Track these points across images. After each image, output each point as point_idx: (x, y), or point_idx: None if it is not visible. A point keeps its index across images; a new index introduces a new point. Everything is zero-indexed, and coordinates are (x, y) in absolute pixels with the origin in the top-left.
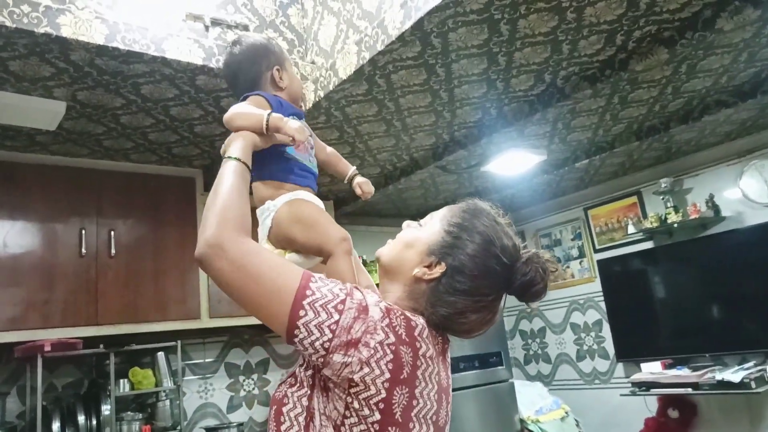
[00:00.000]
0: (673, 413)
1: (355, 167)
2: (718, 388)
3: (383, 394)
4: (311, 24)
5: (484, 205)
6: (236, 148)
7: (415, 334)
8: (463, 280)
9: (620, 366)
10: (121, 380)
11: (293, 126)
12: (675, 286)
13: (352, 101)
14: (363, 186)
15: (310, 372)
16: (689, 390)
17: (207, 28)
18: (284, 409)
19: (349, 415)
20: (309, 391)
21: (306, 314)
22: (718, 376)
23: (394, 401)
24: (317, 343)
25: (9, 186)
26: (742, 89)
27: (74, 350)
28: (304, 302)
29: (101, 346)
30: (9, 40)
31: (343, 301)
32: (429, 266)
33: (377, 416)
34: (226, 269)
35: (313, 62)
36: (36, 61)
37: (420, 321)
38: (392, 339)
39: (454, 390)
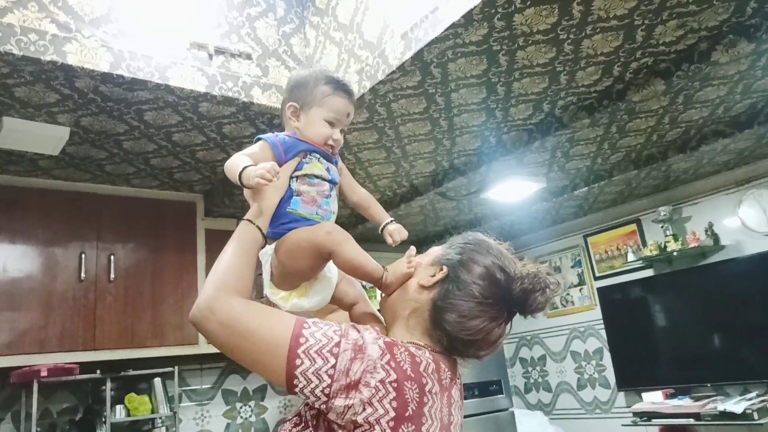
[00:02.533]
0: None
1: (391, 218)
2: (720, 419)
3: None
4: (313, 53)
5: (482, 233)
6: (253, 211)
7: (421, 369)
8: (465, 284)
9: (621, 395)
10: (117, 406)
11: (254, 174)
12: (676, 314)
13: (353, 129)
14: (393, 234)
15: (314, 412)
16: (691, 420)
17: (210, 56)
18: None
19: None
20: (312, 431)
21: (302, 363)
22: (720, 407)
23: None
24: (317, 391)
25: (10, 210)
26: (739, 120)
27: (70, 375)
28: (299, 351)
29: (98, 371)
30: (16, 67)
31: (338, 344)
32: (432, 274)
33: None
34: (217, 331)
35: None
36: (41, 87)
37: (425, 356)
38: (394, 376)
39: None
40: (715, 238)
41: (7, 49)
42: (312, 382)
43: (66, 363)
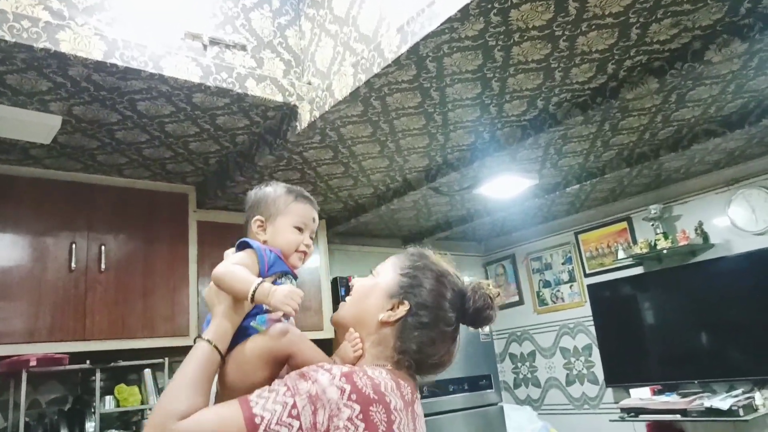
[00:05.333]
0: None
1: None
2: (707, 415)
3: None
4: (308, 45)
5: (426, 249)
6: (212, 330)
7: (382, 390)
8: (426, 313)
9: (609, 391)
10: (107, 397)
11: (283, 295)
12: (664, 312)
13: (347, 122)
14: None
15: None
16: (678, 416)
17: (205, 47)
18: None
19: None
20: None
21: None
22: (707, 403)
23: None
24: None
25: (1, 199)
26: (730, 119)
27: (60, 365)
28: (260, 431)
29: (87, 362)
30: (8, 54)
31: (294, 405)
32: (392, 308)
33: None
34: None
35: (309, 83)
36: (34, 75)
37: (383, 376)
38: (358, 408)
39: (443, 413)
40: (705, 236)
41: None
42: None
43: (55, 353)
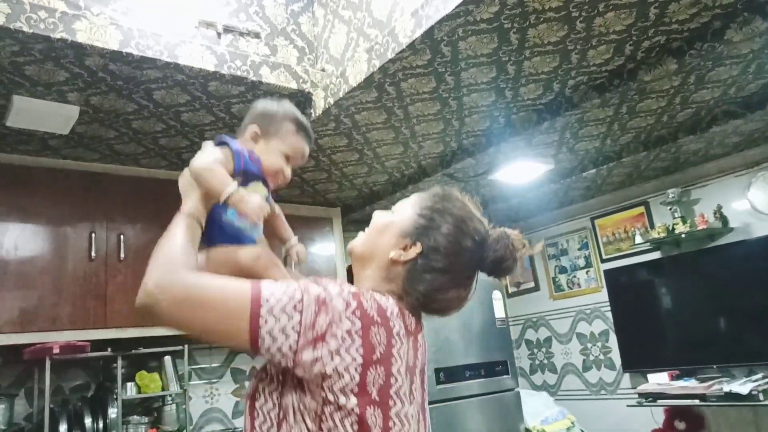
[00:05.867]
0: (680, 425)
1: (296, 237)
2: (726, 400)
3: (357, 379)
4: (322, 32)
5: (452, 190)
6: (193, 204)
7: (387, 314)
8: (439, 258)
9: (626, 376)
10: (128, 384)
11: (253, 207)
12: (682, 296)
13: (362, 108)
14: (300, 254)
15: (280, 368)
16: (696, 401)
17: (219, 35)
18: (257, 404)
19: (326, 408)
20: (281, 387)
21: (266, 322)
22: (726, 388)
23: (368, 381)
24: (284, 347)
25: (21, 190)
26: (751, 100)
27: (82, 353)
28: (262, 311)
29: (109, 349)
30: (26, 45)
31: (300, 300)
32: (404, 248)
33: (354, 400)
34: (171, 310)
35: (323, 69)
36: (51, 66)
37: (390, 302)
38: (359, 324)
39: (460, 398)
40: (724, 220)
41: (17, 27)
42: (278, 339)
43: (78, 341)
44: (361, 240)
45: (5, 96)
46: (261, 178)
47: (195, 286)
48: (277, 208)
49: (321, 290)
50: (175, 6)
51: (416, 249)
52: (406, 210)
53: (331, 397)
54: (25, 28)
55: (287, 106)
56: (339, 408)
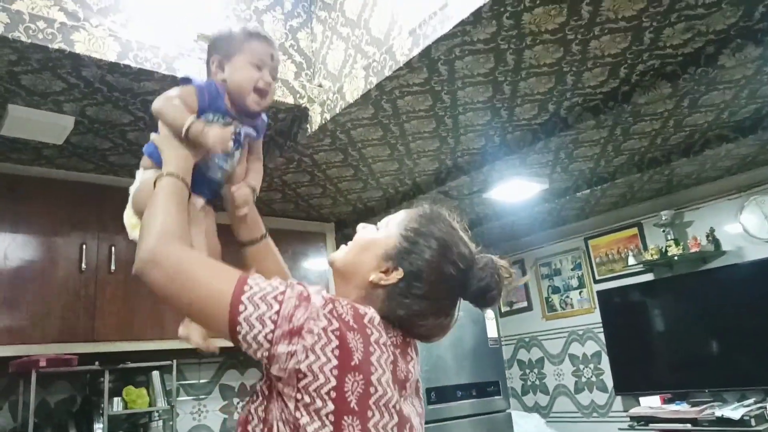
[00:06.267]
0: None
1: (255, 183)
2: (718, 425)
3: (333, 382)
4: (320, 48)
5: (440, 211)
6: (176, 164)
7: (365, 321)
8: (420, 285)
9: (619, 399)
10: (115, 398)
11: (211, 137)
12: (675, 319)
13: (358, 125)
14: (237, 197)
15: (268, 383)
16: (688, 426)
17: None
18: (249, 427)
19: (301, 415)
20: (266, 402)
21: (246, 309)
22: (718, 413)
23: (346, 389)
24: (260, 336)
25: (12, 198)
26: (743, 125)
27: (69, 366)
28: (243, 297)
29: (96, 363)
30: (23, 54)
31: (282, 292)
32: (385, 271)
33: (330, 407)
34: (162, 280)
35: (320, 85)
36: (48, 76)
37: (370, 310)
38: (336, 325)
39: (450, 419)
40: (717, 243)
41: (15, 36)
42: (255, 327)
43: (65, 354)
44: (342, 254)
45: (1, 105)
46: (231, 115)
47: (188, 261)
48: (256, 147)
49: (302, 288)
50: (175, 19)
51: (397, 274)
52: (391, 229)
53: (306, 399)
54: (24, 38)
55: (235, 27)
56: (314, 416)
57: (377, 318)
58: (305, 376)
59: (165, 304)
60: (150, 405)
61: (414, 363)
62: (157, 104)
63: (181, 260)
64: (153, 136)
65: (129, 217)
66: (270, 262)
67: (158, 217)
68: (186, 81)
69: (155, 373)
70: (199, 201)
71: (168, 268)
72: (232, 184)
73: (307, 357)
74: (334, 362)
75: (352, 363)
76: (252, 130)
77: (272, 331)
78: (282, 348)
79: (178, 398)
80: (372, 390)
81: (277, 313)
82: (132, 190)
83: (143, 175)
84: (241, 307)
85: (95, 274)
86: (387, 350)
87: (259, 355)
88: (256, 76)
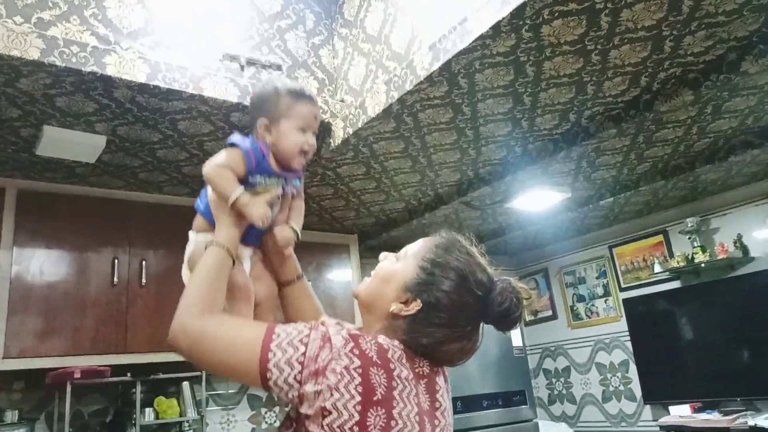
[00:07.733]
0: None
1: (296, 224)
2: None
3: (357, 417)
4: (342, 64)
5: (457, 238)
6: (224, 234)
7: (388, 356)
8: (440, 315)
9: (648, 408)
10: (147, 409)
11: (255, 215)
12: (703, 327)
13: (380, 138)
14: (280, 238)
15: (296, 414)
16: None
17: (242, 67)
18: None
19: None
20: (293, 427)
21: (275, 355)
22: (751, 422)
23: (369, 423)
24: (290, 378)
25: (47, 216)
26: None
27: (102, 378)
28: (272, 345)
29: (128, 374)
30: (58, 78)
31: (308, 335)
32: (405, 302)
33: None
34: (190, 349)
35: (342, 100)
36: (81, 97)
37: (394, 345)
38: (357, 363)
39: (477, 429)
40: (744, 249)
41: (50, 61)
42: (284, 371)
43: (98, 365)
44: (365, 286)
45: (36, 126)
46: (275, 173)
47: (212, 329)
48: (298, 190)
49: (325, 329)
50: (201, 40)
51: (416, 305)
52: (409, 261)
53: None
54: (58, 62)
55: (278, 84)
56: None
57: (400, 353)
58: (330, 413)
59: (202, 369)
60: (180, 415)
61: (443, 392)
62: (207, 171)
63: (205, 329)
64: (200, 199)
65: (185, 275)
66: (305, 302)
67: (193, 289)
68: (232, 145)
69: (185, 384)
70: (247, 251)
71: (192, 337)
72: (275, 225)
73: (331, 395)
74: (358, 398)
75: (375, 398)
76: (295, 183)
77: (300, 372)
78: (309, 387)
79: (208, 408)
80: (393, 423)
81: (304, 354)
82: (187, 251)
83: (197, 238)
84: (270, 355)
85: (126, 288)
86: (409, 384)
87: (290, 396)
88: (301, 140)
